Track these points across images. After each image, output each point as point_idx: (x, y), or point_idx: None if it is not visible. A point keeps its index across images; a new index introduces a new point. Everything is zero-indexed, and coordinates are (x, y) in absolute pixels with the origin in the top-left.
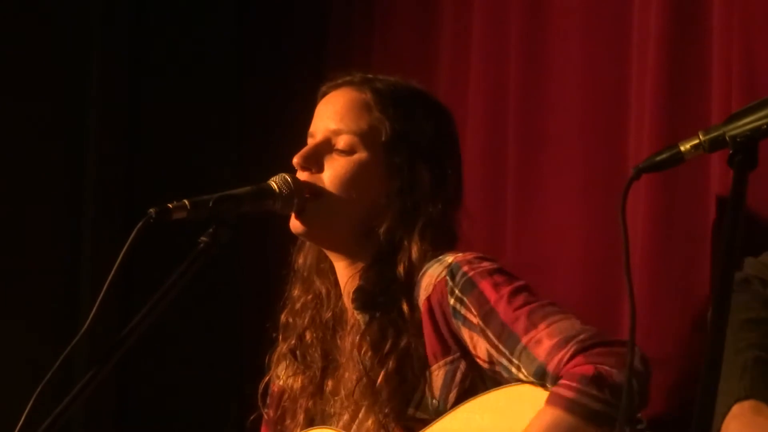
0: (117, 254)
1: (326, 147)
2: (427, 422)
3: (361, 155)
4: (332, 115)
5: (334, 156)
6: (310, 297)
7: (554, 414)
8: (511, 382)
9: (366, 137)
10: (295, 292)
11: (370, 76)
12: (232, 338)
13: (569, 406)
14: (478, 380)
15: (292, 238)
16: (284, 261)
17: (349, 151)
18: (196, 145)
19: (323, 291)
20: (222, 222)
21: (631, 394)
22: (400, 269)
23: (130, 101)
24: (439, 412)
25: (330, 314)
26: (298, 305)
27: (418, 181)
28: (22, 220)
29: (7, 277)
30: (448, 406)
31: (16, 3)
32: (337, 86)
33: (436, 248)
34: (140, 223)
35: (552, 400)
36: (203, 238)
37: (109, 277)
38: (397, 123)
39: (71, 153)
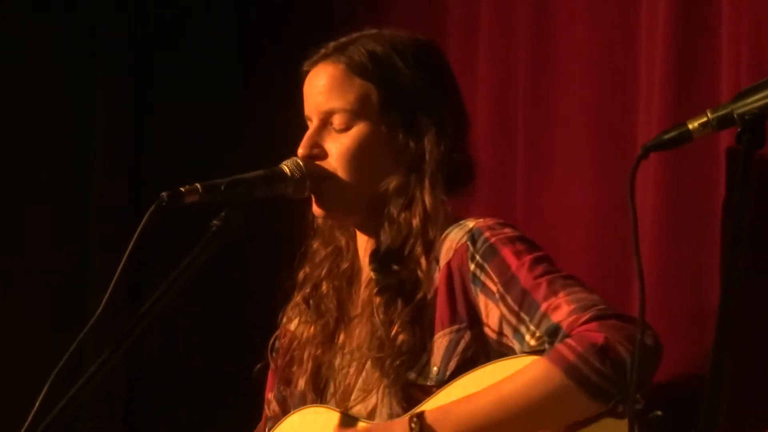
0: (124, 243)
1: (324, 129)
2: (425, 389)
3: (359, 128)
4: (318, 95)
5: (334, 135)
6: (330, 249)
7: (550, 369)
8: (514, 355)
9: (358, 109)
10: (315, 245)
11: (343, 40)
12: (241, 326)
13: (567, 367)
14: (480, 352)
15: (301, 222)
16: (292, 244)
17: (346, 128)
18: (200, 135)
19: (343, 243)
20: (234, 206)
21: (633, 371)
22: (416, 221)
23: (135, 97)
24: (438, 380)
25: (348, 265)
26: (317, 258)
27: (419, 131)
28: (27, 212)
29: (15, 269)
30: (448, 373)
31: (21, 3)
32: (314, 63)
33: (451, 191)
34: (152, 207)
35: (552, 357)
36: (215, 222)
37: (122, 261)
38: (383, 83)
39: (78, 144)
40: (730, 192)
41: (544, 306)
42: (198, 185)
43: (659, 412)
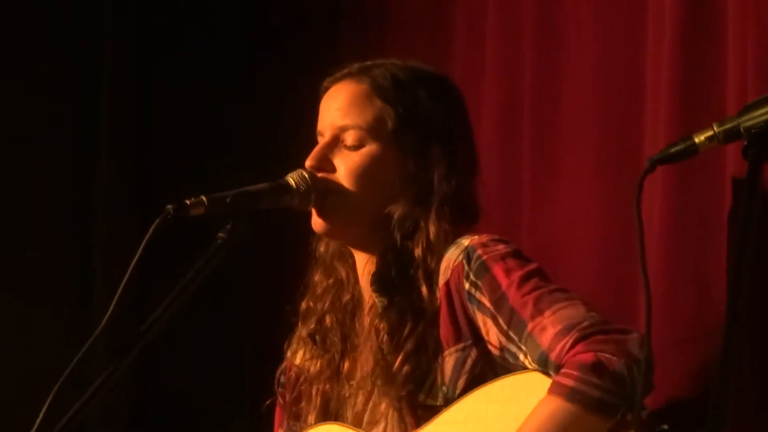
0: (130, 248)
1: (335, 144)
2: (435, 409)
3: (370, 147)
4: (336, 111)
5: (345, 152)
6: (331, 281)
7: (555, 403)
8: (518, 370)
9: (373, 129)
10: (316, 278)
11: (368, 63)
12: (250, 336)
13: (569, 394)
14: (487, 368)
15: (307, 232)
16: (298, 254)
17: (358, 146)
18: (206, 138)
19: (343, 275)
20: (239, 218)
21: (634, 381)
22: (419, 251)
23: (143, 95)
24: (447, 399)
25: (349, 297)
26: (319, 290)
27: (430, 162)
28: (32, 219)
29: (20, 277)
30: (457, 392)
31: (35, 7)
32: (336, 80)
33: (455, 225)
34: (158, 220)
35: (553, 389)
36: (221, 235)
37: (127, 274)
38: (401, 108)
39: (84, 144)
40: (737, 204)
41: (530, 326)
42: (203, 198)
43: (665, 426)
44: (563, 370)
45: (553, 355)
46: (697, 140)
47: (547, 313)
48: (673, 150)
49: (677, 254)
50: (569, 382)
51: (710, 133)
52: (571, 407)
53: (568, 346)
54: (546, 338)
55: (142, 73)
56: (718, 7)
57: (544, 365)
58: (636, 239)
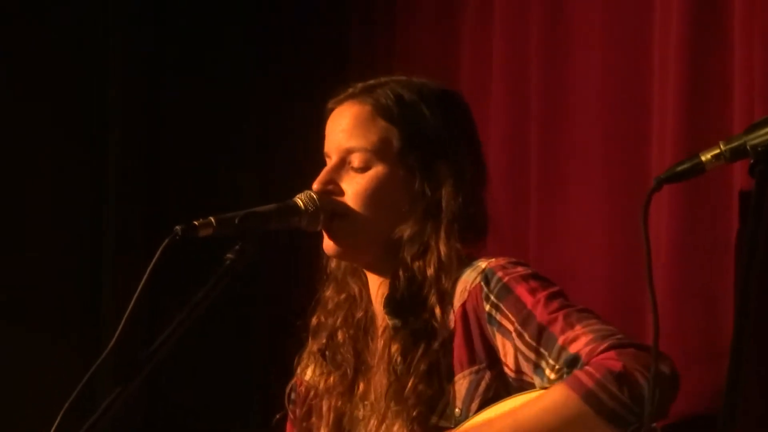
0: (139, 264)
1: (342, 167)
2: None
3: (377, 169)
4: (341, 133)
5: (352, 174)
6: (343, 297)
7: (569, 396)
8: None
9: (378, 150)
10: (328, 293)
11: (371, 82)
12: (258, 353)
13: (585, 394)
14: (502, 391)
15: (317, 251)
16: (308, 272)
17: (364, 168)
18: (214, 154)
19: (356, 290)
20: (248, 239)
21: (651, 400)
22: (431, 271)
23: (150, 106)
24: (460, 422)
25: (362, 314)
26: (330, 305)
27: (437, 180)
28: (41, 236)
29: (31, 290)
30: (470, 415)
31: (36, 6)
32: (340, 102)
33: (466, 241)
34: (166, 241)
35: (571, 383)
36: (229, 256)
37: (136, 295)
38: (406, 127)
39: (92, 160)
40: (744, 221)
41: (561, 339)
42: (212, 219)
43: None
44: (587, 368)
45: (583, 353)
46: (703, 158)
47: (578, 326)
48: (679, 169)
49: (685, 272)
50: (589, 382)
51: (717, 151)
52: (583, 407)
53: (601, 349)
54: (578, 345)
55: (149, 73)
56: (724, 27)
57: (571, 365)
58: (643, 259)
